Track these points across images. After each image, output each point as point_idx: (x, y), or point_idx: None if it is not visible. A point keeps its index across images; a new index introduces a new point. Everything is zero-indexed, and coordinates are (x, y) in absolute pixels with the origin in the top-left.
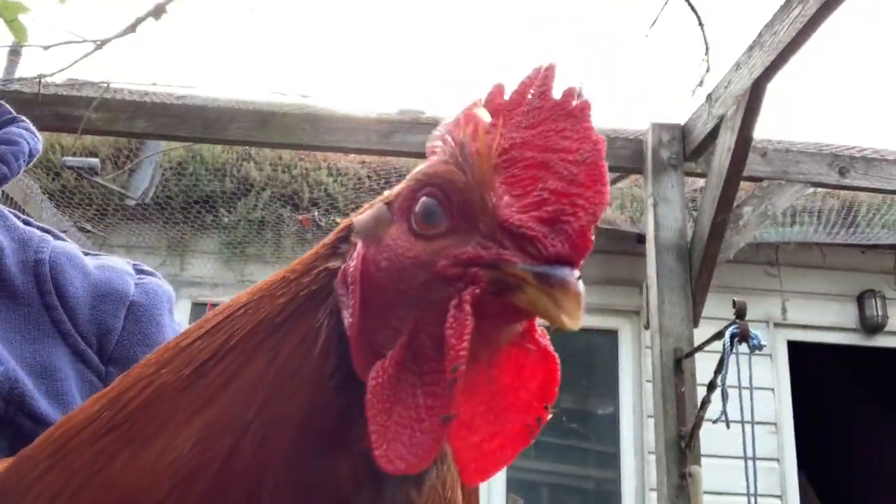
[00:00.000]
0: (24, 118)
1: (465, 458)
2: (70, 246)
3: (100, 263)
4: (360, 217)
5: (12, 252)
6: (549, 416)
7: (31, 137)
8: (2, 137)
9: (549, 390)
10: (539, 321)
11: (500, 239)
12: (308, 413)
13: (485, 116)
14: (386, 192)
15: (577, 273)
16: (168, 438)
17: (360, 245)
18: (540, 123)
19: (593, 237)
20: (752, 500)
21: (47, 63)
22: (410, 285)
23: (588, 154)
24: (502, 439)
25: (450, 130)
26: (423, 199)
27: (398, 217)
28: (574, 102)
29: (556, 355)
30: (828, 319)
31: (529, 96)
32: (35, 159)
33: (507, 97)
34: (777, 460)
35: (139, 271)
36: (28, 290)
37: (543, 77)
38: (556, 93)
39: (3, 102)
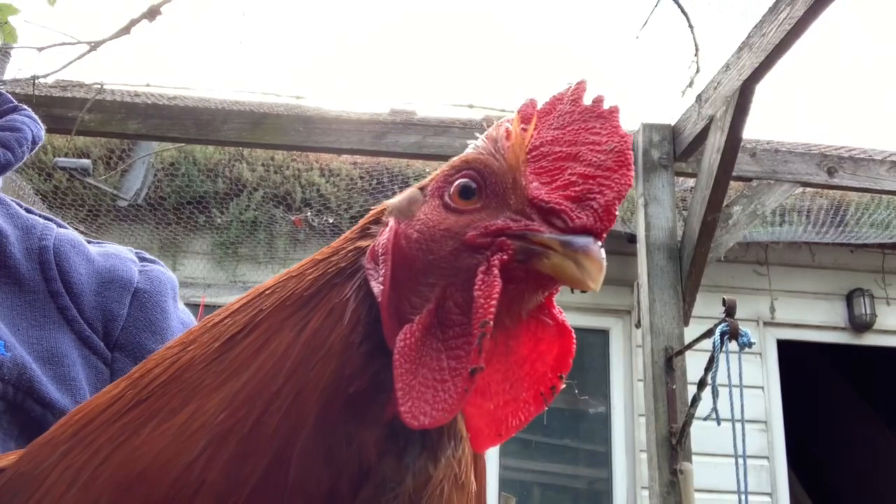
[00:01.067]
0: (25, 106)
1: (477, 423)
2: (73, 233)
3: (103, 251)
4: (393, 199)
5: (17, 239)
6: (563, 385)
7: (34, 125)
8: (5, 124)
9: (565, 362)
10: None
11: (529, 214)
12: (336, 380)
13: (517, 125)
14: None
15: (599, 243)
16: (196, 406)
17: (392, 221)
18: (570, 124)
19: (617, 213)
20: (743, 497)
21: (40, 64)
22: (439, 255)
23: (616, 144)
24: (515, 406)
25: (485, 135)
26: (460, 179)
27: (431, 196)
28: (604, 106)
29: (572, 330)
30: (817, 318)
31: (560, 105)
32: (39, 146)
33: (539, 107)
34: (767, 458)
35: (142, 259)
36: (33, 277)
37: (575, 90)
38: (587, 101)
39: (4, 92)
